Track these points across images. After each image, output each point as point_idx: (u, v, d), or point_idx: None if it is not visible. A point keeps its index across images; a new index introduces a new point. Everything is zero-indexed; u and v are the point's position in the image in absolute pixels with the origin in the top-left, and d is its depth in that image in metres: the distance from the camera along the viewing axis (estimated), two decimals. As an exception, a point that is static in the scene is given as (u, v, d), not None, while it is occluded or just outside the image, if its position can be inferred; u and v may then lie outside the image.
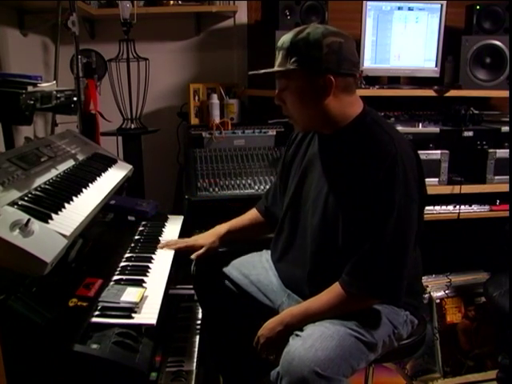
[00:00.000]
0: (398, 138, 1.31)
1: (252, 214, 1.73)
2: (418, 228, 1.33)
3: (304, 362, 1.15)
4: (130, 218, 1.81)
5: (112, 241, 1.59)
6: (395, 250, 1.26)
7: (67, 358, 0.99)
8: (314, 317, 1.29)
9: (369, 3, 2.36)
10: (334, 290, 1.30)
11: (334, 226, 1.33)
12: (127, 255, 1.51)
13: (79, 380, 1.01)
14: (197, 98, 2.51)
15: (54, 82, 1.55)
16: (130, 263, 1.44)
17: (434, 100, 2.41)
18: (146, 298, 1.22)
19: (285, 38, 1.33)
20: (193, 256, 1.64)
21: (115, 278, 1.34)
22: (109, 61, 2.38)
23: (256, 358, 1.38)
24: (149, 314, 1.16)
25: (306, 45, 1.28)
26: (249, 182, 2.21)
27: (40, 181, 1.30)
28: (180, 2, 2.48)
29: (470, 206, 2.27)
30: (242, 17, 2.66)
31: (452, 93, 2.35)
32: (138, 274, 1.37)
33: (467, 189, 2.22)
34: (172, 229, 1.79)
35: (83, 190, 1.41)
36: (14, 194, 1.15)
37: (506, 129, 2.29)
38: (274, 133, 2.42)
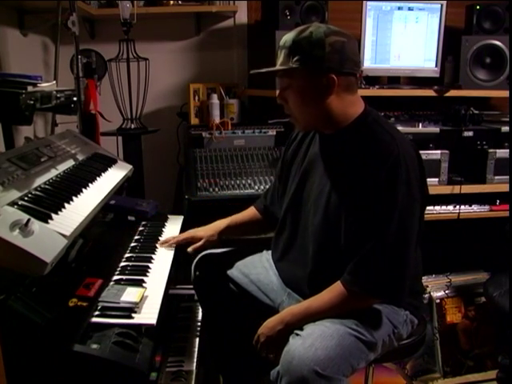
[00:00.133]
0: (399, 138, 1.31)
1: (251, 212, 1.73)
2: (419, 228, 1.33)
3: (304, 361, 1.15)
4: (130, 218, 1.81)
5: (112, 241, 1.59)
6: (397, 249, 1.26)
7: (67, 358, 0.99)
8: (314, 316, 1.29)
9: (369, 3, 2.36)
10: (335, 289, 1.30)
11: (335, 225, 1.33)
12: (127, 255, 1.51)
13: (79, 380, 1.01)
14: (197, 97, 2.51)
15: (54, 82, 1.55)
16: (130, 263, 1.44)
17: (433, 100, 2.41)
18: (146, 298, 1.22)
19: (287, 37, 1.33)
20: (190, 249, 1.65)
21: (115, 278, 1.34)
22: (109, 61, 2.38)
23: (256, 357, 1.38)
24: (149, 314, 1.16)
25: (309, 44, 1.28)
26: (249, 181, 2.21)
27: (40, 181, 1.30)
28: (180, 1, 2.48)
29: (470, 205, 2.27)
30: (242, 17, 2.66)
31: (452, 93, 2.35)
32: (138, 274, 1.37)
33: (467, 189, 2.22)
34: (172, 229, 1.79)
35: (83, 190, 1.41)
36: (14, 194, 1.15)
37: (506, 129, 2.29)
38: (274, 133, 2.42)
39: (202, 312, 1.78)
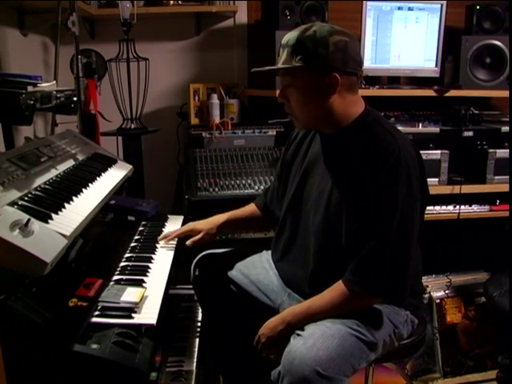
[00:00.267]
0: (400, 138, 1.31)
1: (251, 208, 1.74)
2: (419, 227, 1.33)
3: (305, 361, 1.15)
4: (130, 218, 1.81)
5: (112, 241, 1.59)
6: (399, 249, 1.26)
7: (67, 358, 0.99)
8: (315, 315, 1.29)
9: (369, 3, 2.36)
10: (336, 289, 1.30)
11: (336, 225, 1.33)
12: (127, 255, 1.51)
13: (79, 380, 1.01)
14: (197, 97, 2.51)
15: (54, 82, 1.55)
16: (130, 263, 1.44)
17: (434, 100, 2.41)
18: (146, 298, 1.22)
19: (290, 36, 1.32)
20: (188, 242, 1.65)
21: (115, 278, 1.34)
22: (109, 61, 2.38)
23: (256, 357, 1.38)
24: (149, 314, 1.16)
25: (313, 42, 1.28)
26: (249, 181, 2.21)
27: (40, 181, 1.30)
28: (180, 1, 2.48)
29: (470, 206, 2.27)
30: (242, 17, 2.66)
31: (452, 93, 2.35)
32: (138, 274, 1.37)
33: (467, 189, 2.22)
34: (172, 229, 1.78)
35: (83, 189, 1.41)
36: (14, 194, 1.15)
37: (506, 129, 2.29)
38: (274, 133, 2.42)
39: (202, 312, 1.78)
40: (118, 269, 1.40)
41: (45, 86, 1.40)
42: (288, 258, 1.53)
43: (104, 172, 1.67)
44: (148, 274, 1.39)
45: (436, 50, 2.44)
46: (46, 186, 1.31)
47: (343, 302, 1.28)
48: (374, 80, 2.41)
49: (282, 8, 2.30)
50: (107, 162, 1.79)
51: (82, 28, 2.13)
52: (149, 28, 2.56)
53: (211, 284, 1.66)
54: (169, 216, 1.93)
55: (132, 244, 1.60)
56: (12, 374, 0.92)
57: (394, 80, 2.50)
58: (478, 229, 2.34)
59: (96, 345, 1.02)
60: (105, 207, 1.57)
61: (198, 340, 1.63)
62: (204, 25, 2.67)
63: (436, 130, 2.29)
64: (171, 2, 2.46)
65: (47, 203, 1.20)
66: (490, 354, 2.25)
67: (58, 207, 1.21)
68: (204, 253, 1.71)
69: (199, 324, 1.74)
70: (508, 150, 2.22)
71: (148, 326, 1.13)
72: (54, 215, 1.16)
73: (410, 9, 2.40)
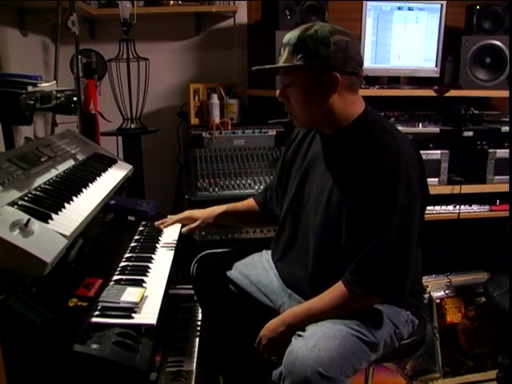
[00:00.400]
0: (400, 138, 1.31)
1: (250, 203, 1.75)
2: (419, 227, 1.33)
3: (307, 362, 1.15)
4: (130, 218, 1.81)
5: (112, 241, 1.59)
6: (399, 249, 1.26)
7: (67, 358, 0.99)
8: (316, 316, 1.29)
9: (369, 3, 2.36)
10: (336, 290, 1.30)
11: (336, 225, 1.33)
12: (127, 255, 1.51)
13: (79, 380, 1.01)
14: (197, 97, 2.51)
15: (54, 82, 1.55)
16: (130, 263, 1.44)
17: (434, 100, 2.41)
18: (146, 298, 1.22)
19: (291, 35, 1.32)
20: (184, 229, 1.66)
21: (115, 278, 1.33)
22: (109, 61, 2.38)
23: (256, 358, 1.38)
24: (149, 314, 1.16)
25: (315, 42, 1.28)
26: (249, 181, 2.21)
27: (40, 181, 1.30)
28: (180, 1, 2.48)
29: (470, 206, 2.27)
30: (242, 17, 2.66)
31: (452, 93, 2.35)
32: (138, 274, 1.37)
33: (467, 189, 2.22)
34: (172, 229, 1.78)
35: (83, 189, 1.41)
36: (14, 194, 1.15)
37: (506, 129, 2.29)
38: (274, 133, 2.42)
39: (202, 312, 1.78)
40: (118, 269, 1.40)
41: (45, 85, 1.40)
42: (288, 258, 1.52)
43: (104, 172, 1.67)
44: (148, 273, 1.39)
45: (436, 50, 2.44)
46: (46, 186, 1.31)
47: (343, 302, 1.28)
48: (373, 80, 2.41)
49: (282, 8, 2.30)
50: (107, 162, 1.79)
51: (81, 28, 2.13)
52: (149, 28, 2.56)
53: (211, 284, 1.66)
54: (169, 216, 1.92)
55: (132, 244, 1.60)
56: (12, 374, 0.92)
57: (394, 80, 2.50)
58: (478, 229, 2.34)
59: (96, 345, 1.02)
60: (105, 207, 1.57)
61: (197, 340, 1.63)
62: (204, 25, 2.67)
63: (436, 130, 2.29)
64: (171, 2, 2.46)
65: (47, 203, 1.20)
66: (490, 354, 2.25)
67: (58, 207, 1.21)
68: (204, 253, 1.71)
69: (199, 324, 1.73)
70: (508, 150, 2.22)
71: (148, 326, 1.13)
72: (54, 215, 1.16)
73: (409, 9, 2.40)
